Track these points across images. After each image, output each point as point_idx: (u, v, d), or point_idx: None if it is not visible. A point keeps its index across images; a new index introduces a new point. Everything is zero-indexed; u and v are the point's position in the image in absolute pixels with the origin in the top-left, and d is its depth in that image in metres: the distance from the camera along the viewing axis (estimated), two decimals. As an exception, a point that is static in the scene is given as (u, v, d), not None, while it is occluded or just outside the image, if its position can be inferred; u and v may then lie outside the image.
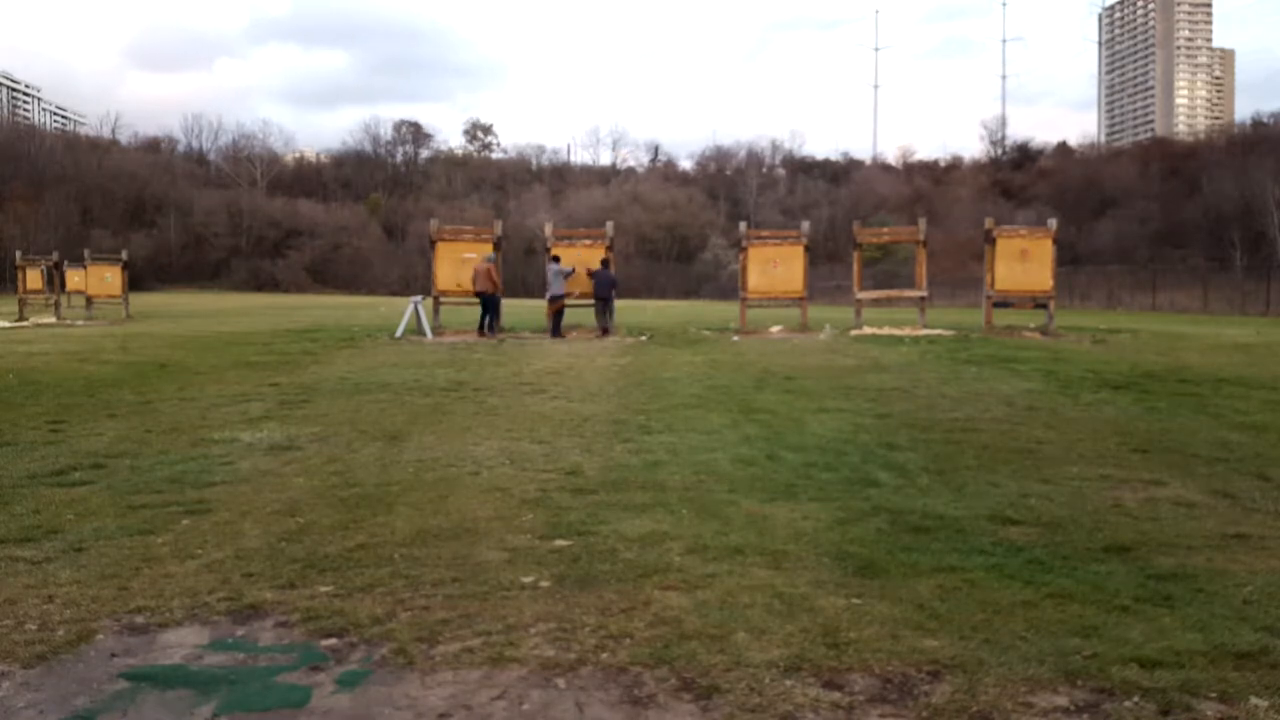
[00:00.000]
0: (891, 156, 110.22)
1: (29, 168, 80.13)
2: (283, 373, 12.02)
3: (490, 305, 19.30)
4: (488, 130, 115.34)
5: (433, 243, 20.99)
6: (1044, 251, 20.85)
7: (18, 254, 34.29)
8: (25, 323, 26.96)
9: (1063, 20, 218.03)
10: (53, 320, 28.39)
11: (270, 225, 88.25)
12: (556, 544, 4.33)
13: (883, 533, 4.49)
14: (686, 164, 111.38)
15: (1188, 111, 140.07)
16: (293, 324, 24.70)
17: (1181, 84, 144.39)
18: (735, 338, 19.06)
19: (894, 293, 26.34)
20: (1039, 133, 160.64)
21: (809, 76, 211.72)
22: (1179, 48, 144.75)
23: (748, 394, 9.76)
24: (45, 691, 2.87)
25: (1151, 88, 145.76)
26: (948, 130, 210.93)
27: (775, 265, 21.36)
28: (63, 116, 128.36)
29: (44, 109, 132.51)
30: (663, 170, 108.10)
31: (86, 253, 33.75)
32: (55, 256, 33.47)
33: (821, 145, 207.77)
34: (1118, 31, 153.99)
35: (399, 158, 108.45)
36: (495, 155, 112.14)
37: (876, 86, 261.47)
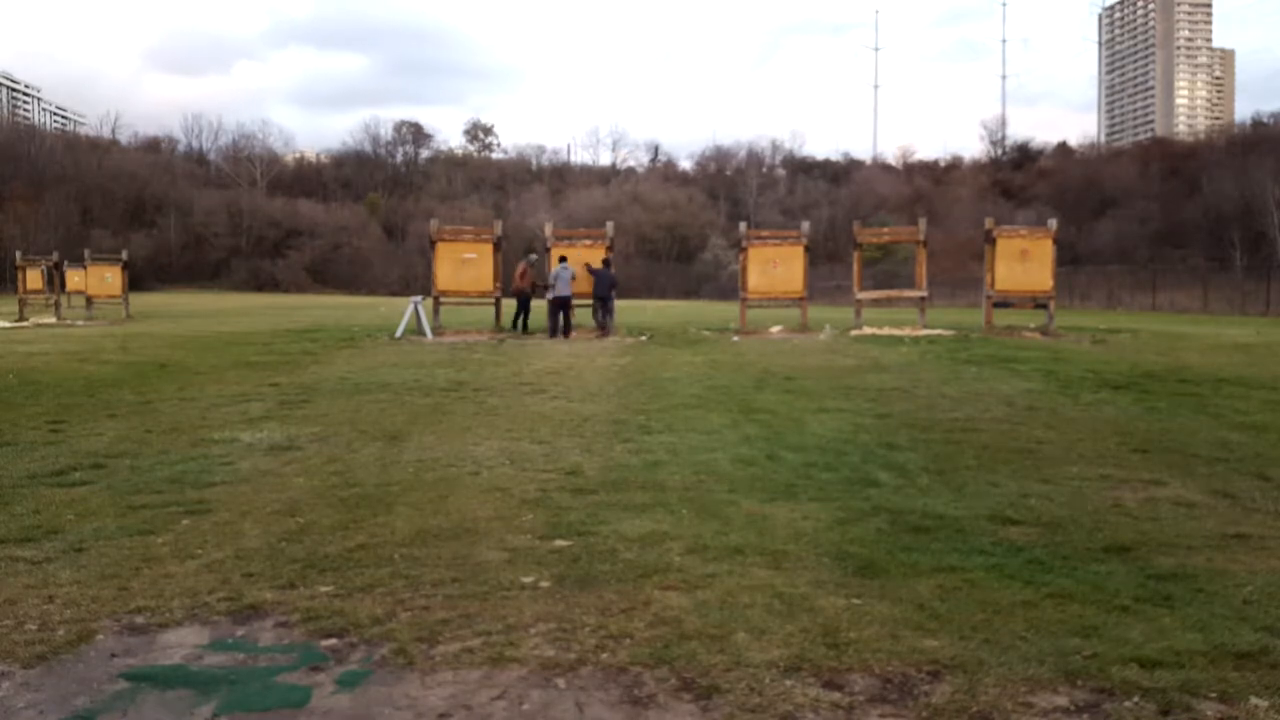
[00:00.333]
0: (891, 156, 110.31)
1: (29, 168, 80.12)
2: (283, 373, 12.02)
3: (523, 303, 20.26)
4: (488, 130, 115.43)
5: (433, 243, 20.99)
6: (1044, 251, 20.85)
7: (18, 254, 34.30)
8: (25, 323, 26.96)
9: (1063, 20, 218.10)
10: (53, 320, 28.39)
11: (270, 225, 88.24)
12: (556, 544, 4.33)
13: (883, 533, 4.49)
14: (686, 164, 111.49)
15: (1188, 111, 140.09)
16: (293, 324, 24.70)
17: (1181, 84, 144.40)
18: (735, 338, 19.06)
19: (894, 293, 26.34)
20: (1039, 133, 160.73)
21: (809, 77, 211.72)
22: (1179, 48, 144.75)
23: (748, 394, 9.76)
24: (45, 691, 2.87)
25: (1151, 88, 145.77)
26: (948, 130, 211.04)
27: (775, 265, 21.36)
28: (63, 116, 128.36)
29: (44, 109, 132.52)
30: (663, 170, 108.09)
31: (86, 253, 33.75)
32: (55, 256, 33.49)
33: (821, 145, 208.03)
34: (1118, 31, 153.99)
35: (399, 158, 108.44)
36: (495, 155, 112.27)
37: (877, 86, 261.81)
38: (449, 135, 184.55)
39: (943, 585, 3.72)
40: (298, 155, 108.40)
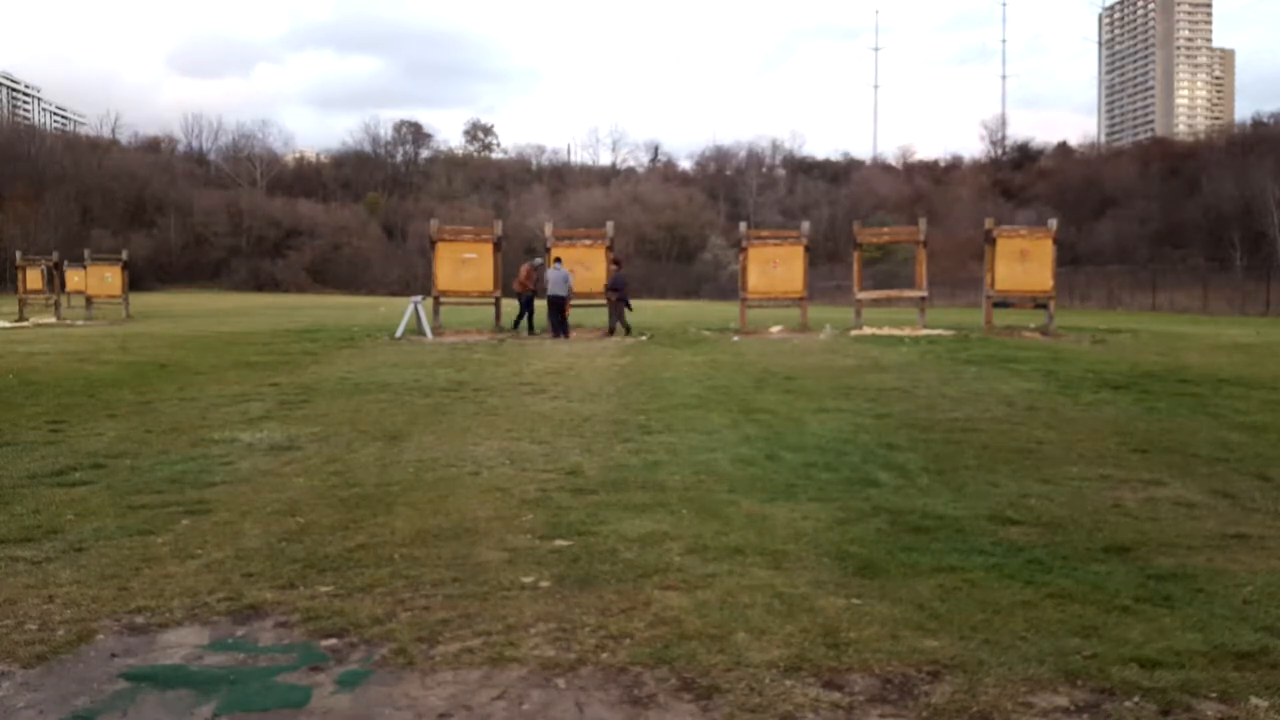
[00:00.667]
0: (891, 156, 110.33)
1: (29, 168, 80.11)
2: (283, 373, 12.02)
3: (525, 304, 20.28)
4: (488, 130, 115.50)
5: (433, 243, 21.00)
6: (1044, 251, 20.86)
7: (18, 254, 34.31)
8: (25, 323, 26.97)
9: (1063, 20, 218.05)
10: (53, 320, 28.40)
11: (270, 225, 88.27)
12: (556, 544, 4.33)
13: (883, 533, 4.49)
14: (686, 164, 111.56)
15: (1188, 111, 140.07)
16: (293, 324, 24.70)
17: (1181, 84, 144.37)
18: (735, 338, 19.06)
19: (894, 293, 26.33)
20: (1039, 133, 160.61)
21: (810, 78, 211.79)
22: (1179, 48, 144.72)
23: (748, 394, 9.76)
24: (45, 691, 2.87)
25: (1151, 88, 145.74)
26: (948, 130, 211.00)
27: (775, 265, 21.36)
28: (63, 116, 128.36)
29: (44, 109, 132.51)
30: (663, 170, 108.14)
31: (86, 253, 33.78)
32: (55, 256, 33.50)
33: (821, 145, 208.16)
34: (1118, 31, 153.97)
35: (399, 158, 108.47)
36: (495, 155, 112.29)
37: (877, 86, 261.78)
38: (449, 135, 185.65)
39: (943, 585, 3.72)
40: (297, 155, 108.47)
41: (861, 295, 22.31)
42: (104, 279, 31.42)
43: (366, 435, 7.31)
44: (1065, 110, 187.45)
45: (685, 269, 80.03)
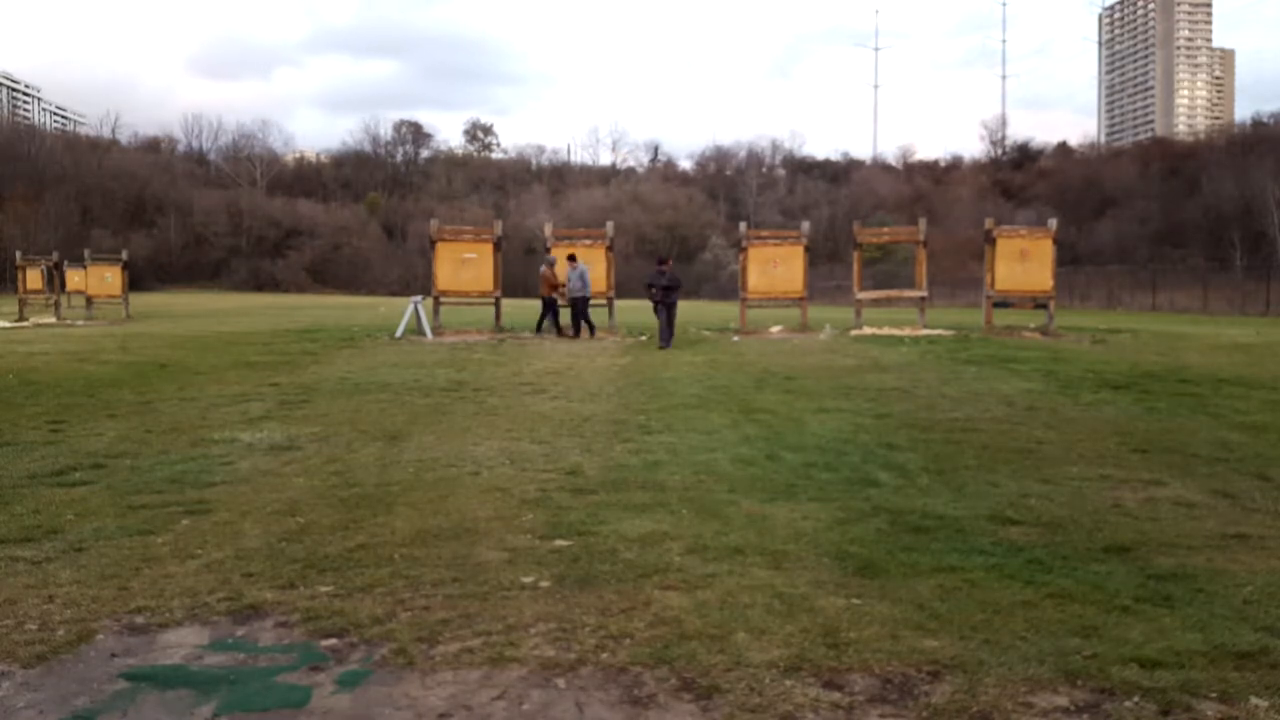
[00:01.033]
0: (891, 156, 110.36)
1: (29, 168, 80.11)
2: (283, 373, 12.02)
3: (549, 306, 19.89)
4: (488, 130, 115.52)
5: (433, 243, 20.99)
6: (1044, 251, 20.85)
7: (18, 254, 34.32)
8: (25, 323, 26.97)
9: (1063, 20, 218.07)
10: (53, 320, 28.40)
11: (270, 225, 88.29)
12: (556, 544, 4.33)
13: (883, 533, 4.49)
14: (686, 164, 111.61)
15: (1188, 111, 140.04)
16: (293, 324, 24.70)
17: (1181, 84, 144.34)
18: (735, 338, 19.05)
19: (894, 293, 26.33)
20: (1039, 133, 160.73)
21: (809, 77, 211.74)
22: (1179, 48, 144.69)
23: (748, 394, 9.75)
24: (45, 691, 2.87)
25: (1151, 88, 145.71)
26: (948, 130, 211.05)
27: (775, 265, 21.36)
28: (63, 116, 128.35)
29: (44, 109, 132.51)
30: (663, 170, 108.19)
31: (86, 253, 33.77)
32: (55, 256, 33.51)
33: (821, 145, 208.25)
34: (1118, 31, 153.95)
35: (399, 158, 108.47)
36: (495, 155, 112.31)
37: (877, 86, 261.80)
38: (449, 135, 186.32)
39: (943, 585, 3.72)
40: (297, 155, 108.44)
41: (861, 295, 22.31)
42: (104, 279, 31.42)
43: (366, 435, 7.31)
44: (1065, 110, 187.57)
45: (685, 269, 79.69)
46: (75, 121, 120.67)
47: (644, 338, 18.94)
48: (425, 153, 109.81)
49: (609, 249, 20.75)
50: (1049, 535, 4.46)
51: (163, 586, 3.77)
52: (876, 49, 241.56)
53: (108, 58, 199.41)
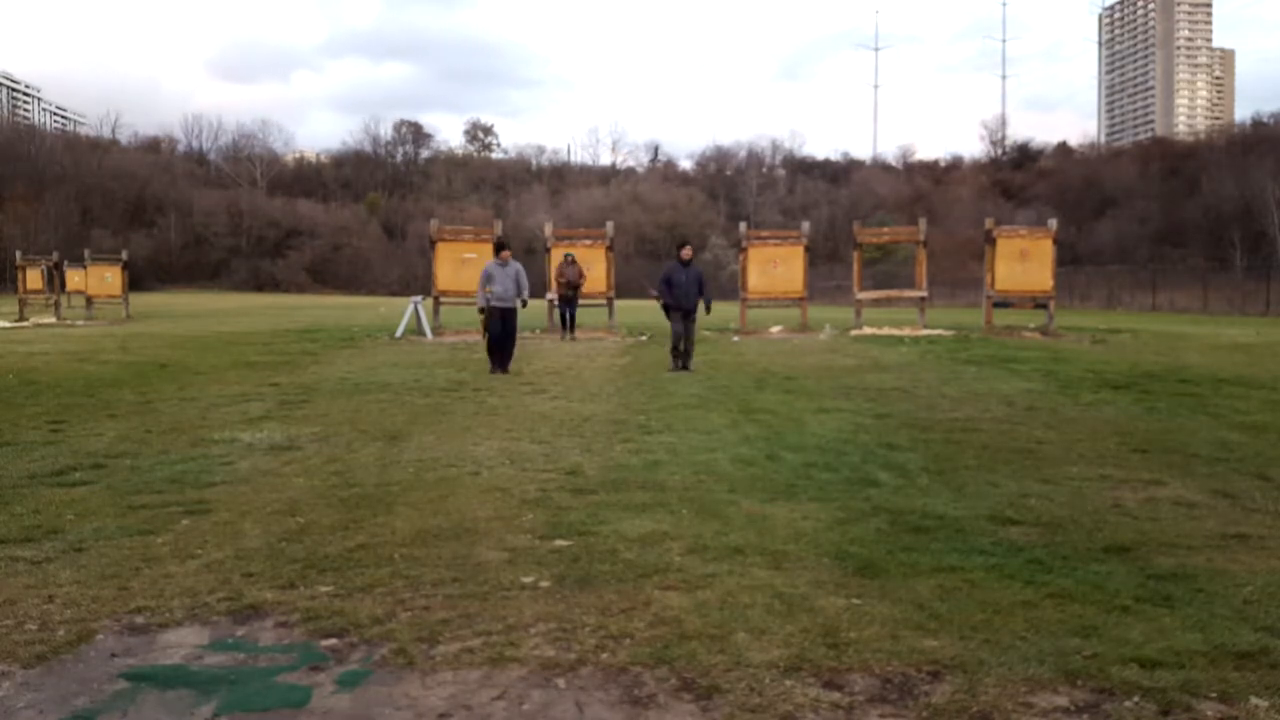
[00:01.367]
0: (891, 156, 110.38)
1: (29, 168, 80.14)
2: (283, 373, 12.02)
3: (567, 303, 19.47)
4: (488, 130, 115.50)
5: (433, 243, 21.00)
6: (1044, 251, 20.86)
7: (18, 254, 34.31)
8: (25, 323, 26.97)
9: (1063, 21, 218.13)
10: (53, 320, 28.40)
11: (270, 225, 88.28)
12: (556, 544, 4.32)
13: (883, 533, 4.49)
14: (686, 164, 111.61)
15: (1188, 111, 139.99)
16: (293, 324, 24.71)
17: (1181, 84, 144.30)
18: (735, 338, 19.06)
19: (894, 293, 26.35)
20: (1039, 133, 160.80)
21: (809, 77, 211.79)
22: (1179, 48, 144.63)
23: (748, 394, 9.75)
24: (45, 691, 2.87)
25: (1151, 88, 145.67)
26: (948, 130, 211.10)
27: (775, 265, 21.36)
28: (63, 116, 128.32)
29: (44, 109, 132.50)
30: (662, 170, 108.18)
31: (86, 253, 33.79)
32: (55, 256, 33.51)
33: (821, 145, 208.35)
34: (1118, 31, 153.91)
35: (399, 158, 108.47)
36: (495, 155, 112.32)
37: (876, 86, 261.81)
38: (449, 135, 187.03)
39: (943, 585, 3.72)
40: (297, 155, 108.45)
41: (861, 295, 22.31)
42: (104, 279, 31.42)
43: (366, 435, 7.30)
44: (1065, 110, 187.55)
45: (685, 269, 79.88)
46: (75, 121, 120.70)
47: (645, 337, 18.93)
48: (425, 153, 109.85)
49: (609, 249, 20.75)
50: (1049, 535, 4.46)
51: (163, 586, 3.76)
52: (876, 49, 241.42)
53: (128, 61, 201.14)
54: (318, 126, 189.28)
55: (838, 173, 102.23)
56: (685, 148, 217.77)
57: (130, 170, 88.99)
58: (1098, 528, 4.59)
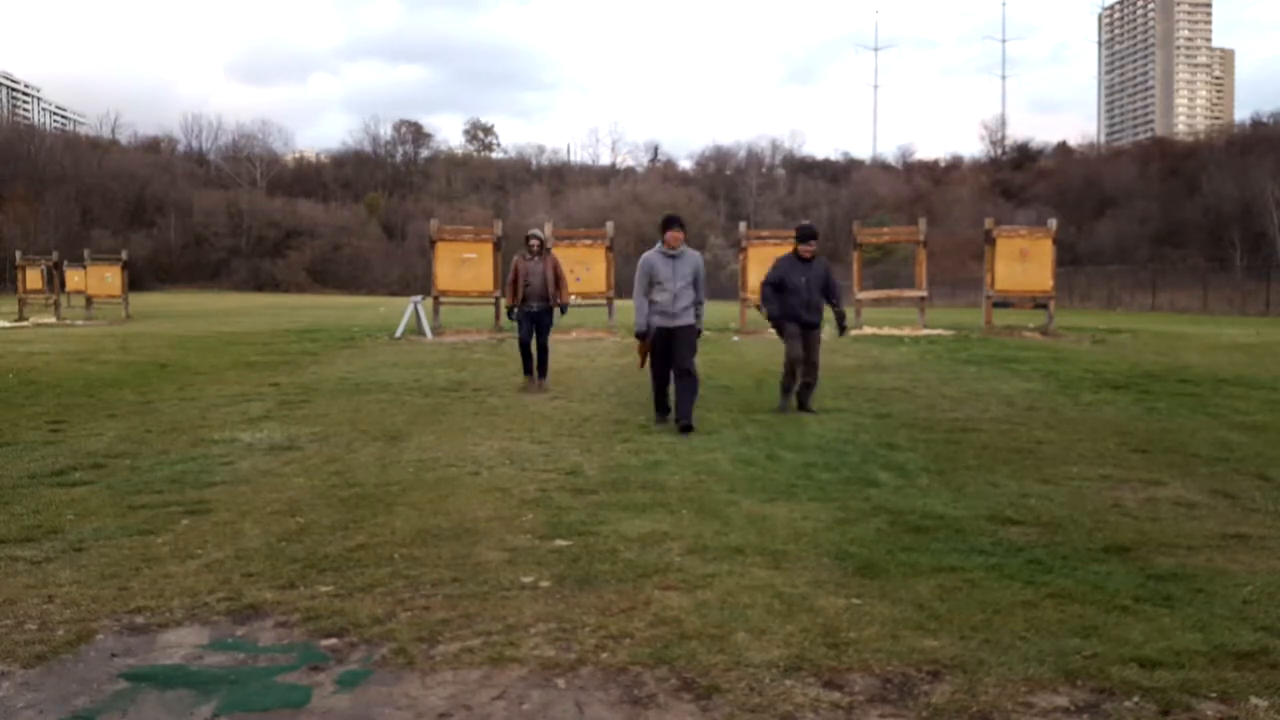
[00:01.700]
0: (891, 156, 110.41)
1: (29, 168, 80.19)
2: (283, 373, 12.02)
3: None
4: (488, 130, 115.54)
5: (433, 243, 21.00)
6: (1044, 251, 20.86)
7: (18, 254, 34.35)
8: (25, 323, 26.97)
9: (1063, 21, 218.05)
10: (53, 320, 28.41)
11: (270, 225, 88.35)
12: (556, 544, 4.32)
13: (883, 533, 4.49)
14: (686, 164, 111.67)
15: (1188, 111, 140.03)
16: (293, 324, 24.71)
17: (1181, 84, 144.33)
18: (735, 338, 19.05)
19: (894, 293, 26.35)
20: (1039, 133, 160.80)
21: (809, 78, 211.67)
22: (1179, 48, 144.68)
23: (748, 394, 9.75)
24: (45, 691, 2.87)
25: (1151, 88, 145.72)
26: (947, 130, 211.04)
27: (775, 265, 21.32)
28: (63, 116, 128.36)
29: (44, 109, 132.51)
30: (662, 170, 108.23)
31: (86, 253, 33.81)
32: (55, 256, 33.53)
33: (821, 145, 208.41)
34: (1118, 31, 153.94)
35: (399, 158, 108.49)
36: (495, 155, 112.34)
37: (876, 86, 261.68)
38: (449, 135, 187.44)
39: (943, 585, 3.72)
40: (297, 155, 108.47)
41: (861, 295, 22.31)
42: (104, 279, 31.44)
43: (366, 435, 7.30)
44: (1065, 110, 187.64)
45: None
46: (75, 121, 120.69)
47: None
48: (425, 153, 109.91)
49: (609, 249, 20.75)
50: (1049, 535, 4.46)
51: (163, 586, 3.76)
52: (876, 50, 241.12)
53: (146, 65, 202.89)
54: (330, 128, 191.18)
55: (838, 173, 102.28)
56: (685, 148, 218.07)
57: (130, 170, 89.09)
58: (1098, 528, 4.59)
